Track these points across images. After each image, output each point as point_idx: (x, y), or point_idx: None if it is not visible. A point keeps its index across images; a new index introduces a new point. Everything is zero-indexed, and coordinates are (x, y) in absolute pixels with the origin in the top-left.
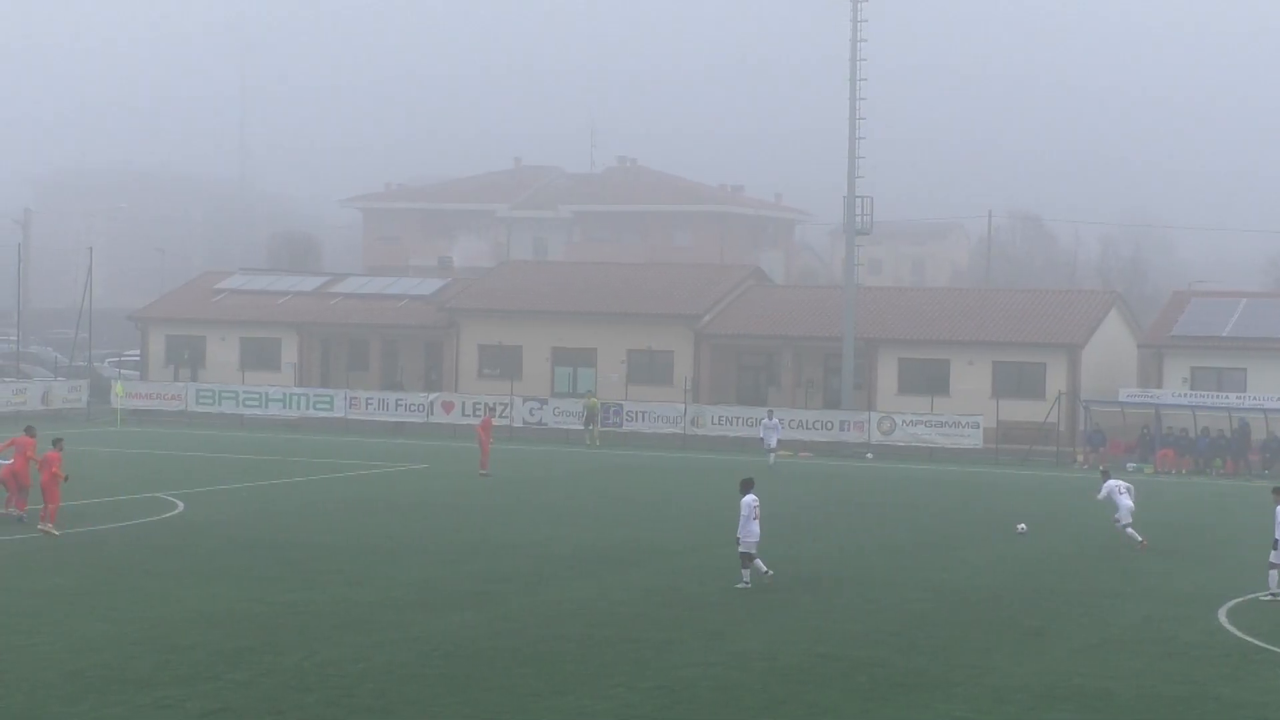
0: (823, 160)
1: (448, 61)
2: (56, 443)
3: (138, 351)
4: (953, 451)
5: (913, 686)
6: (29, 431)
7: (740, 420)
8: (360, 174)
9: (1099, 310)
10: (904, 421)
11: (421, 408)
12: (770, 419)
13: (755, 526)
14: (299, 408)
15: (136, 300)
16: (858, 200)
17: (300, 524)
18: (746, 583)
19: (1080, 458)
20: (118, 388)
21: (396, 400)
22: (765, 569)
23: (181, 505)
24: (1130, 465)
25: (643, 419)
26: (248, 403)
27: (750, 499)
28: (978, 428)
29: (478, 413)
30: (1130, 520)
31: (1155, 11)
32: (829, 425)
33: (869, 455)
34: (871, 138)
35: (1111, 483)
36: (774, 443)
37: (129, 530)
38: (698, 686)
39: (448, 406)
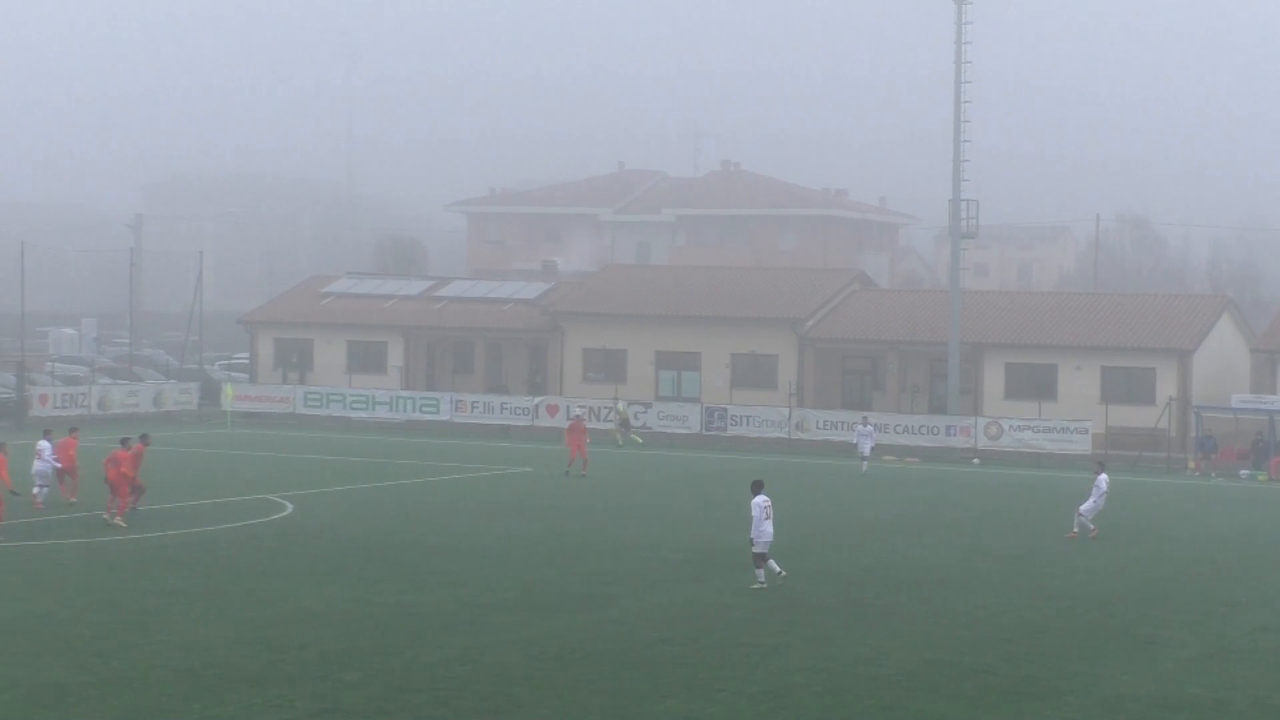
0: (927, 164)
1: (553, 66)
2: (124, 442)
3: (247, 354)
4: (1061, 457)
5: (1022, 695)
6: (143, 439)
7: (845, 425)
8: (465, 178)
9: (1210, 315)
10: (1011, 427)
11: (526, 411)
12: (864, 425)
13: (768, 527)
14: (405, 410)
15: (245, 303)
16: (963, 204)
17: (407, 526)
18: (762, 583)
19: (1192, 464)
20: (227, 390)
21: (501, 404)
22: (779, 569)
23: (290, 507)
24: (1243, 473)
25: (747, 423)
26: (354, 405)
27: (761, 499)
28: (1086, 433)
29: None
30: (1089, 513)
31: (1244, 19)
32: (935, 430)
33: (975, 460)
34: (976, 141)
35: (1104, 476)
36: (867, 449)
37: (239, 531)
38: (805, 691)
39: (552, 410)
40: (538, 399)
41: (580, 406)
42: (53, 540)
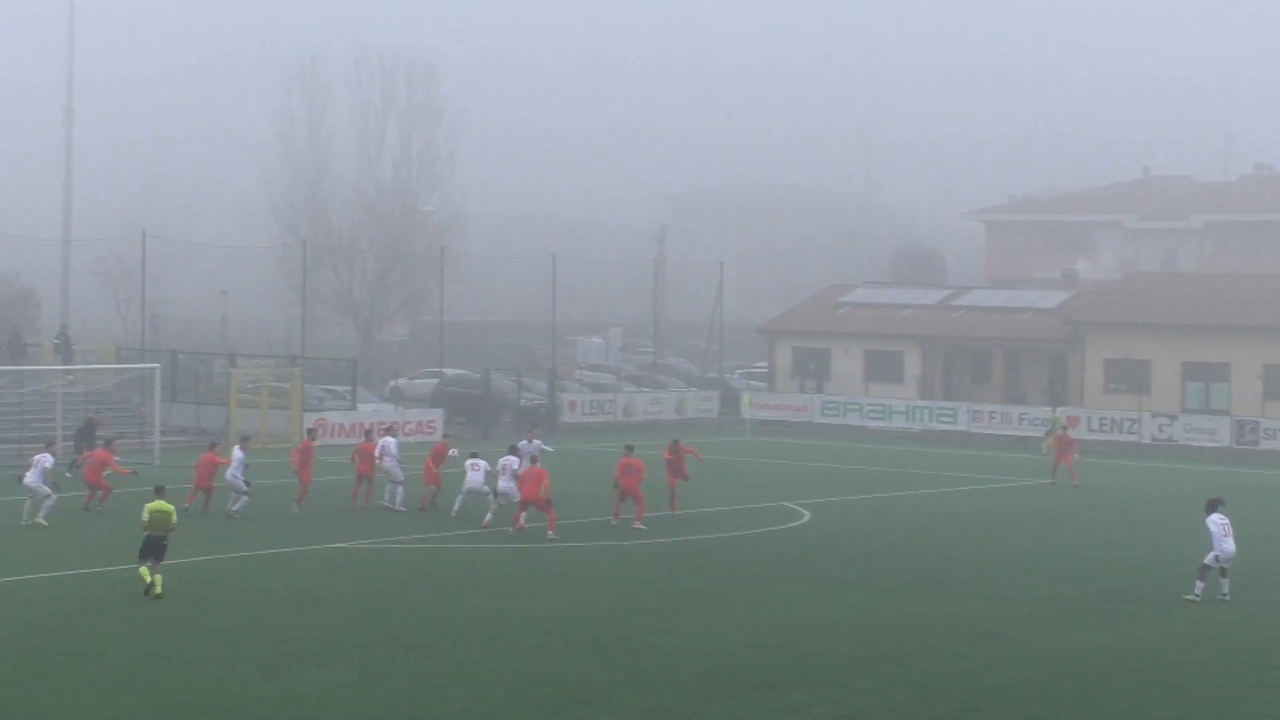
0: None
1: (1075, 70)
2: (629, 448)
3: (765, 363)
4: None
5: None
6: (672, 448)
7: None
8: (983, 186)
9: None
10: None
11: (1045, 422)
12: None
13: (1229, 544)
14: (921, 420)
15: (764, 313)
16: None
17: (925, 536)
18: (1197, 595)
19: None
20: (746, 399)
21: (1020, 414)
22: (1226, 593)
23: (808, 515)
24: None
25: None
26: (871, 414)
27: (1218, 517)
28: None
29: (1104, 428)
30: None
31: None
32: None
33: None
34: None
35: None
36: None
37: (759, 537)
38: None
39: (1072, 421)
40: (1058, 410)
41: (1103, 418)
42: (583, 542)
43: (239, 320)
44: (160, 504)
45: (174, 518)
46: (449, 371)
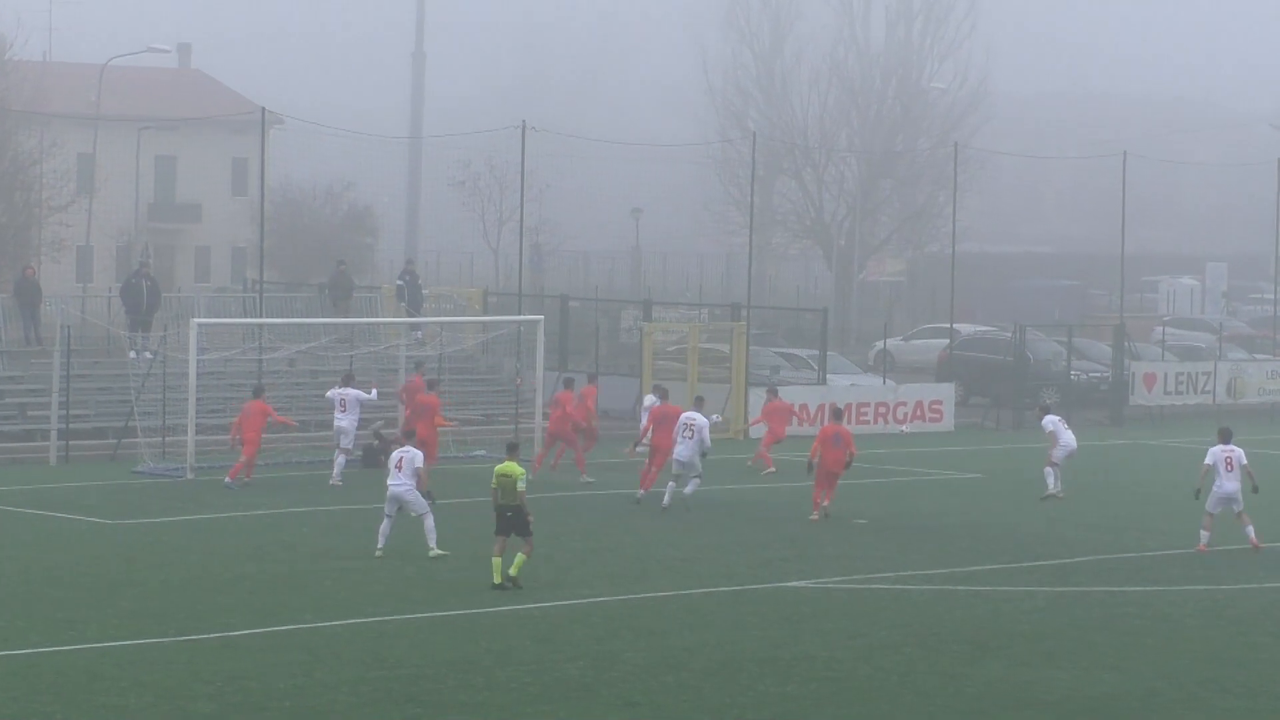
0: None
1: None
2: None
3: None
4: None
5: None
6: None
7: None
8: None
9: None
10: None
11: None
12: None
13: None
14: None
15: None
16: None
17: None
18: None
19: None
20: None
21: None
22: None
23: None
24: None
25: None
26: None
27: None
28: None
29: None
30: None
31: None
32: None
33: None
34: None
35: None
36: None
37: None
38: None
39: None
40: None
41: None
42: (1157, 586)
43: (656, 252)
44: (508, 465)
45: (520, 484)
46: (963, 328)
